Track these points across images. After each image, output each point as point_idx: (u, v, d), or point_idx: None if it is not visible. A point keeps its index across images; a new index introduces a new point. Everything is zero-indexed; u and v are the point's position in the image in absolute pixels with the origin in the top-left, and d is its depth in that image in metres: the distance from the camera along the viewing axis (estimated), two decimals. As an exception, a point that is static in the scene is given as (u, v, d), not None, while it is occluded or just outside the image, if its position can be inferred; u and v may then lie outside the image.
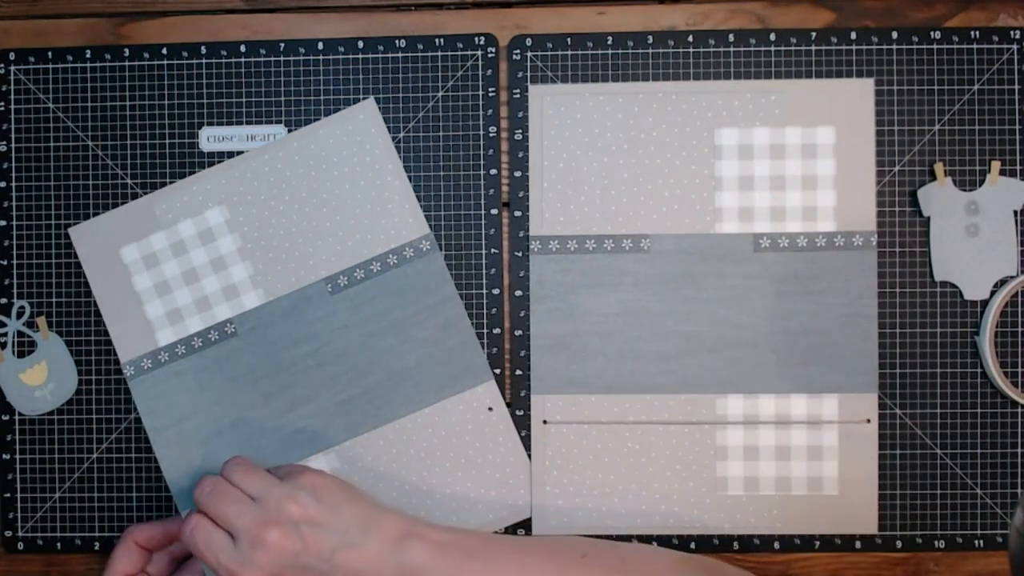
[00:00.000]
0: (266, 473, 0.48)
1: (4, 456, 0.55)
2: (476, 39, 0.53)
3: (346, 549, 0.46)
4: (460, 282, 0.54)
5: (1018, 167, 0.53)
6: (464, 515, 0.53)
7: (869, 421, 0.53)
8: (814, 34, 0.53)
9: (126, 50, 0.54)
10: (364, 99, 0.54)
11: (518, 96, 0.54)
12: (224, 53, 0.54)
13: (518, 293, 0.54)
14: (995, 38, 0.52)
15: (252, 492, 0.47)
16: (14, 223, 0.55)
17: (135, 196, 0.54)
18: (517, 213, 0.54)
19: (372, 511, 0.47)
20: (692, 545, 0.53)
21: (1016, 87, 0.53)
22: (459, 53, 0.54)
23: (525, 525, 0.53)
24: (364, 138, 0.54)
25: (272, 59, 0.54)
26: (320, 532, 0.46)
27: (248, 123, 0.54)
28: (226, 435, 0.53)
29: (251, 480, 0.47)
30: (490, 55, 0.53)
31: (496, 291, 0.54)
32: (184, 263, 0.54)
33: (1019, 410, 0.53)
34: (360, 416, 0.53)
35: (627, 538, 0.53)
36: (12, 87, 0.54)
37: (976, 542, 0.53)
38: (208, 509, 0.46)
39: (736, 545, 0.53)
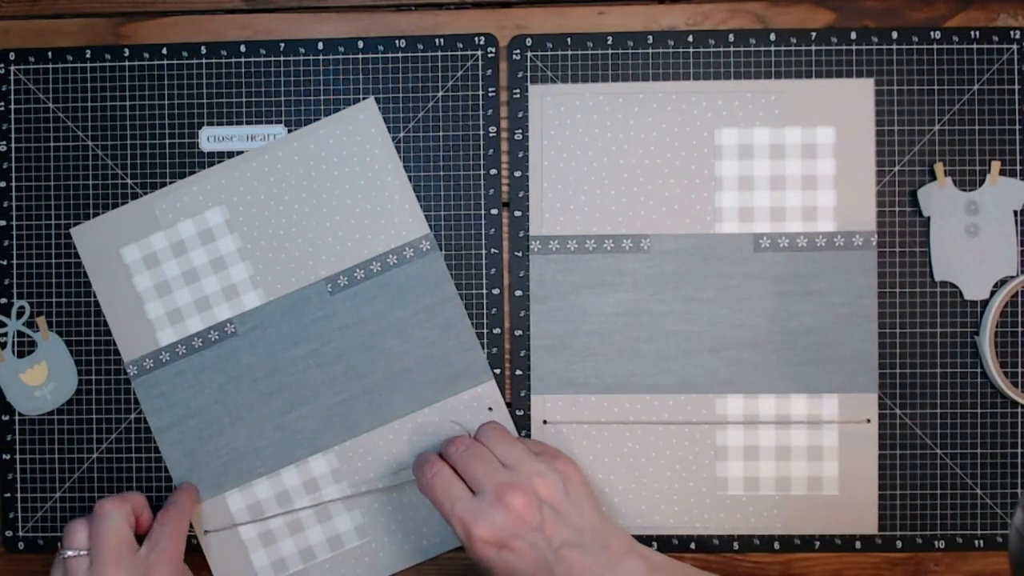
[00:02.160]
0: (521, 444, 0.48)
1: (4, 456, 0.55)
2: (476, 39, 0.53)
3: (575, 548, 0.45)
4: (460, 282, 0.54)
5: (1018, 167, 0.53)
6: (464, 515, 0.53)
7: (869, 421, 0.53)
8: (814, 34, 0.53)
9: (126, 50, 0.54)
10: (364, 99, 0.54)
11: (518, 96, 0.54)
12: (224, 53, 0.54)
13: (518, 293, 0.54)
14: (995, 38, 0.52)
15: (505, 459, 0.47)
16: (14, 223, 0.55)
17: (135, 196, 0.54)
18: (517, 213, 0.54)
19: (606, 522, 0.47)
20: (692, 545, 0.53)
21: (1016, 87, 0.53)
22: (459, 53, 0.54)
23: (525, 525, 0.53)
24: (364, 138, 0.54)
25: (272, 59, 0.54)
26: (559, 521, 0.46)
27: (248, 123, 0.54)
28: (227, 434, 0.53)
29: (506, 448, 0.48)
30: (490, 55, 0.53)
31: (496, 291, 0.54)
32: (184, 263, 0.54)
33: (1019, 410, 0.53)
34: (360, 416, 0.53)
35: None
36: (12, 87, 0.54)
37: (976, 542, 0.53)
38: (458, 464, 0.47)
39: (736, 545, 0.53)
